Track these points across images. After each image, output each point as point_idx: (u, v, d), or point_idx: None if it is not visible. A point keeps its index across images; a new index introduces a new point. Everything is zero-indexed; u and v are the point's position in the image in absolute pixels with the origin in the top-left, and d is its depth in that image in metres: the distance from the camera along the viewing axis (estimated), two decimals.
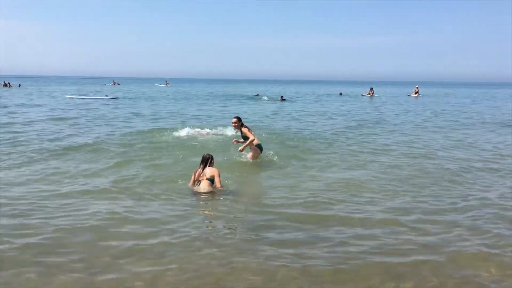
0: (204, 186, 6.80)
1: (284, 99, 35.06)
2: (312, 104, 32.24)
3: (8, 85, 51.21)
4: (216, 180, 6.89)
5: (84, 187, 7.12)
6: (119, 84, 74.24)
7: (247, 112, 23.31)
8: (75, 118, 18.15)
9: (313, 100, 37.17)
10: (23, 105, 25.19)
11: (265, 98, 38.27)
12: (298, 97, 41.80)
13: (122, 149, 10.68)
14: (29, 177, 7.75)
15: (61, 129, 14.35)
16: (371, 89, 47.23)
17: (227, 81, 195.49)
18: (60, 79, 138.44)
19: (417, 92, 46.81)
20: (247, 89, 68.62)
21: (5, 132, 13.31)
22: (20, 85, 55.74)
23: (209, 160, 7.03)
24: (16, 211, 5.85)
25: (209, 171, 6.90)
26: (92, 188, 7.06)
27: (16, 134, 12.84)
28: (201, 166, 7.00)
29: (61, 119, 17.62)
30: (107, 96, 35.33)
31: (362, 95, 47.21)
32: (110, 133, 13.68)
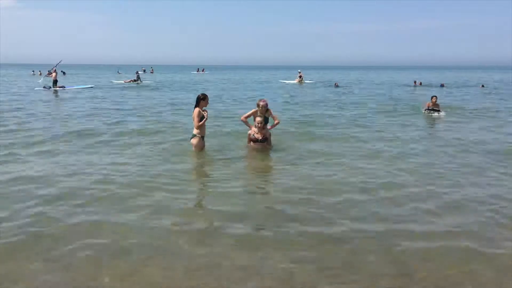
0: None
1: (338, 85, 35.96)
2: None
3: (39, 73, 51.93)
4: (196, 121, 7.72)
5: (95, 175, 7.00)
6: (152, 72, 71.78)
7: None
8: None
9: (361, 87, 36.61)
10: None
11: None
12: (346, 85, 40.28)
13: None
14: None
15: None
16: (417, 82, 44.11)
17: (264, 67, 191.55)
18: (96, 67, 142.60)
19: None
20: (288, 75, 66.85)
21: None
22: (64, 73, 56.12)
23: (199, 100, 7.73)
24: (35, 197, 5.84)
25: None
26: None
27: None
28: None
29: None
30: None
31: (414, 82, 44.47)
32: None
